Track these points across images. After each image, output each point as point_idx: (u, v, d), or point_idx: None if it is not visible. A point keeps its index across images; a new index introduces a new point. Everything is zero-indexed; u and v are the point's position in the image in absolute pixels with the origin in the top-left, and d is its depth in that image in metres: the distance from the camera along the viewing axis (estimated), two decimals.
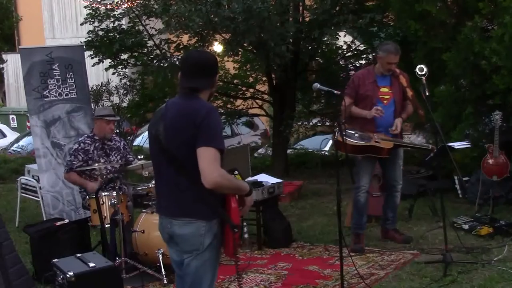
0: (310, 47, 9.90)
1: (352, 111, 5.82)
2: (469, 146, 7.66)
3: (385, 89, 5.86)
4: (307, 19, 9.66)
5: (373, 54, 10.43)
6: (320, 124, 11.72)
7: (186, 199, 3.17)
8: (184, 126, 3.15)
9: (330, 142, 11.91)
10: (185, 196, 3.17)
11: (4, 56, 20.87)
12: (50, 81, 7.41)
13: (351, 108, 5.81)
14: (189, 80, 3.29)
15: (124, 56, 10.78)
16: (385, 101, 5.84)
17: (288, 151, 11.23)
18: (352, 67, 10.59)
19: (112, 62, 10.78)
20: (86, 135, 6.04)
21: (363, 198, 5.96)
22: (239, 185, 3.24)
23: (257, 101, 11.79)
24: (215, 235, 3.19)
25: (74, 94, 7.57)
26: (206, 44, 10.14)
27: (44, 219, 7.06)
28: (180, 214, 3.22)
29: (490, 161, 6.96)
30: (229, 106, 11.72)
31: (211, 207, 3.14)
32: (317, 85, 4.90)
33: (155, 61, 10.54)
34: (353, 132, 5.82)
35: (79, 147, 5.86)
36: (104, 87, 12.55)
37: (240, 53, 10.46)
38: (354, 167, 6.04)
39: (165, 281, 5.20)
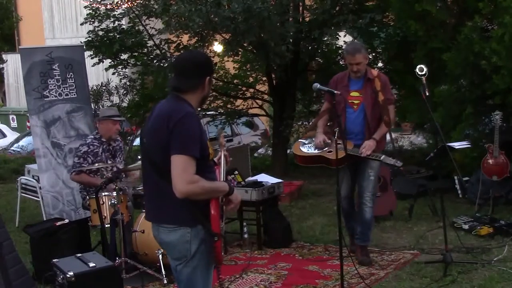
0: (310, 47, 9.89)
1: (318, 122, 5.65)
2: (469, 146, 7.66)
3: (355, 93, 5.49)
4: (307, 19, 9.66)
5: (373, 54, 10.46)
6: None
7: (168, 204, 3.12)
8: (159, 129, 3.09)
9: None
10: (166, 201, 3.11)
11: (4, 56, 20.91)
12: (50, 81, 7.41)
13: (322, 117, 5.64)
14: (174, 79, 3.24)
15: (124, 56, 10.77)
16: (354, 106, 5.47)
17: (288, 151, 11.23)
18: None
19: (112, 62, 10.78)
20: (92, 137, 5.98)
21: (344, 204, 5.67)
22: (216, 188, 3.15)
23: (257, 101, 11.79)
24: (202, 240, 3.11)
25: (74, 94, 7.56)
26: (206, 44, 10.15)
27: (44, 219, 7.06)
28: (163, 220, 3.17)
29: (490, 161, 6.96)
30: (229, 106, 11.71)
31: (192, 213, 3.07)
32: (317, 85, 4.88)
33: (155, 61, 10.54)
34: (307, 141, 5.65)
35: (89, 150, 5.84)
36: (104, 87, 12.55)
37: (240, 53, 10.46)
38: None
39: (165, 281, 5.20)
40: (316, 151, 5.55)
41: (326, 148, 5.47)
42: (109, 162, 5.91)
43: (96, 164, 5.73)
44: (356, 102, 5.47)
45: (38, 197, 7.68)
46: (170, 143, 3.02)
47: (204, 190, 3.06)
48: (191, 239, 3.11)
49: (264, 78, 11.20)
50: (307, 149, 5.64)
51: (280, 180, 6.65)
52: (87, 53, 9.42)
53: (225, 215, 3.42)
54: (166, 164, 3.03)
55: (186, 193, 3.00)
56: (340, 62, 10.88)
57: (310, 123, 6.00)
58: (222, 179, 3.54)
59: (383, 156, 5.44)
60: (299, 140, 5.86)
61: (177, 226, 3.12)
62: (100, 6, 10.44)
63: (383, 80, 5.52)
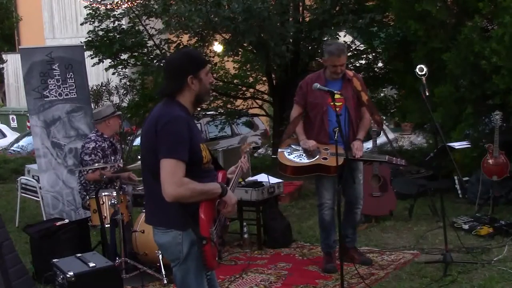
0: (310, 47, 9.90)
1: (296, 130, 5.37)
2: (469, 146, 7.66)
3: (337, 95, 4.98)
4: (307, 19, 9.67)
5: (373, 54, 10.46)
6: None
7: (160, 206, 3.10)
8: (149, 132, 3.09)
9: None
10: (159, 203, 3.09)
11: (4, 56, 20.91)
12: (50, 81, 7.40)
13: (297, 123, 5.38)
14: (163, 84, 3.26)
15: (124, 56, 10.78)
16: (337, 109, 4.89)
17: None
18: (352, 67, 10.60)
19: (112, 62, 10.79)
20: (94, 135, 5.95)
21: (328, 216, 5.38)
22: (207, 190, 3.09)
23: (257, 101, 11.79)
24: (194, 243, 3.08)
25: (74, 94, 7.56)
26: (206, 44, 10.16)
27: (44, 219, 7.06)
28: (156, 222, 3.17)
29: (490, 161, 6.96)
30: (229, 106, 11.72)
31: (182, 216, 3.04)
32: (317, 85, 4.83)
33: (155, 61, 10.55)
34: (299, 148, 5.30)
35: (96, 145, 5.82)
36: (104, 87, 12.56)
37: (240, 53, 10.47)
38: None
39: (165, 281, 5.20)
40: (308, 159, 5.26)
41: (318, 156, 5.23)
42: (112, 158, 5.94)
43: (96, 164, 5.72)
44: (338, 104, 5.00)
45: (38, 197, 7.68)
46: (157, 147, 3.02)
47: (194, 192, 3.03)
48: (183, 241, 3.10)
49: (264, 78, 11.21)
50: (297, 158, 5.32)
51: (280, 180, 6.63)
52: (87, 53, 9.42)
53: (223, 220, 3.34)
54: (156, 166, 3.03)
55: (175, 197, 2.98)
56: None
57: (285, 131, 5.71)
58: (234, 184, 3.47)
59: (387, 157, 5.39)
60: (280, 150, 5.43)
61: (169, 229, 3.11)
62: (100, 6, 10.46)
63: (360, 80, 5.42)
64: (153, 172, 3.07)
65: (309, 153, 5.26)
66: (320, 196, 5.43)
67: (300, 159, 5.30)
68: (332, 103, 4.81)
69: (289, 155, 5.36)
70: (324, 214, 5.42)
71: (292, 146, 5.37)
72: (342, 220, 5.28)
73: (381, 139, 7.77)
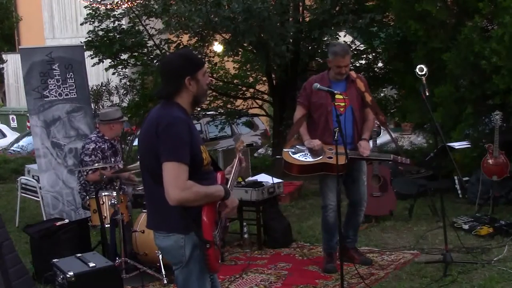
0: (310, 47, 9.90)
1: (300, 130, 5.37)
2: (469, 146, 7.66)
3: (340, 96, 5.02)
4: (307, 19, 9.67)
5: (373, 54, 10.46)
6: None
7: (161, 210, 3.07)
8: (149, 135, 3.06)
9: None
10: (159, 207, 3.06)
11: (4, 56, 20.91)
12: (50, 81, 7.41)
13: (301, 124, 5.36)
14: (160, 86, 3.23)
15: (124, 56, 10.79)
16: (341, 109, 5.01)
17: None
18: (352, 67, 10.60)
19: (112, 62, 10.79)
20: (95, 135, 5.94)
21: (332, 218, 5.35)
22: (210, 193, 3.07)
23: (257, 101, 11.80)
24: (196, 246, 3.06)
25: (74, 94, 7.56)
26: (206, 44, 10.16)
27: (44, 219, 7.06)
28: (158, 226, 3.14)
29: (490, 161, 6.96)
30: (229, 106, 11.72)
31: (184, 220, 3.01)
32: (317, 85, 4.83)
33: (155, 61, 10.55)
34: (304, 148, 5.31)
35: (96, 146, 5.81)
36: (104, 87, 12.57)
37: (240, 53, 10.47)
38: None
39: (165, 281, 5.19)
40: (313, 158, 5.26)
41: (323, 155, 5.24)
42: (112, 160, 5.94)
43: (96, 164, 5.72)
44: (342, 104, 5.08)
45: (38, 197, 7.68)
46: (159, 150, 2.99)
47: (198, 195, 3.00)
48: (185, 245, 3.07)
49: (264, 78, 11.21)
50: (303, 157, 5.31)
51: (280, 180, 6.63)
52: (87, 53, 9.42)
53: (224, 222, 3.31)
54: (157, 169, 2.99)
55: (179, 201, 2.95)
56: None
57: (289, 132, 5.77)
58: (232, 184, 3.45)
59: (392, 156, 5.40)
60: (285, 150, 5.41)
61: (170, 232, 3.08)
62: (100, 6, 10.46)
63: (364, 81, 5.44)
64: (153, 174, 3.05)
65: (314, 152, 5.27)
66: (324, 197, 5.42)
67: (306, 158, 5.30)
68: (335, 104, 4.79)
69: (294, 154, 5.37)
70: (329, 216, 5.39)
71: (297, 146, 5.37)
72: (344, 220, 5.37)
73: (381, 139, 7.77)
